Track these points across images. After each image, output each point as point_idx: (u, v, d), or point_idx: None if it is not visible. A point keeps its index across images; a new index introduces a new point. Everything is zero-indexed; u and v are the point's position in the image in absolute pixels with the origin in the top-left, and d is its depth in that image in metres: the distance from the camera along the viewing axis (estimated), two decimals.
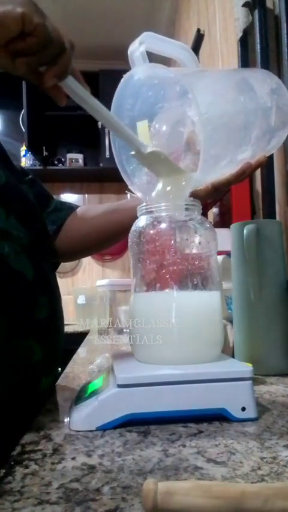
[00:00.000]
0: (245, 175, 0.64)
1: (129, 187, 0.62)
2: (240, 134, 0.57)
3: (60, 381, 0.68)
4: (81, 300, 2.22)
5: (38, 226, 0.67)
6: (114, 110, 0.59)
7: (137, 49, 0.55)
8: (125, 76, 0.58)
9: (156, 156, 0.52)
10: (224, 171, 0.62)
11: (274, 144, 0.64)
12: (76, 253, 0.83)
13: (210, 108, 0.51)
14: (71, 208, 0.82)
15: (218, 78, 0.63)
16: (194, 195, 0.56)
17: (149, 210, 0.51)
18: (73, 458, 0.34)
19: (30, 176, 0.78)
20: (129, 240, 0.53)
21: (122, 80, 0.58)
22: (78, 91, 0.48)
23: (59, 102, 0.50)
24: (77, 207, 0.82)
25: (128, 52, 0.56)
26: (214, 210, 1.49)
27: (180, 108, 0.59)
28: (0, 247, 0.55)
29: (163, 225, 0.50)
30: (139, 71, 0.56)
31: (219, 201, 1.41)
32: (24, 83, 2.38)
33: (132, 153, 0.53)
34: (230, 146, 0.57)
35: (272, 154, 0.71)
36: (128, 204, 0.79)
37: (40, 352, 0.57)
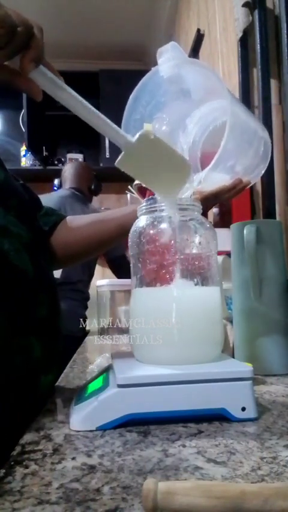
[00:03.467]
0: (234, 191, 0.70)
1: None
2: (245, 144, 0.61)
3: (60, 381, 0.68)
4: None
5: (35, 224, 0.67)
6: (132, 99, 0.61)
7: (167, 50, 0.58)
8: (153, 69, 0.61)
9: (146, 140, 0.47)
10: (220, 177, 0.65)
11: (256, 174, 0.72)
12: (61, 261, 0.82)
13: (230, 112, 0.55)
14: (61, 215, 0.83)
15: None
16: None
17: (149, 210, 0.51)
18: (73, 458, 0.34)
19: (21, 182, 0.79)
20: (129, 240, 0.53)
21: (149, 72, 0.61)
22: (53, 78, 0.46)
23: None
24: (65, 216, 0.83)
25: (158, 51, 0.59)
26: (214, 210, 1.49)
27: (175, 131, 0.63)
28: (0, 244, 0.55)
29: (163, 225, 0.50)
30: (165, 69, 0.59)
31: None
32: None
33: (119, 160, 0.48)
34: (237, 151, 0.61)
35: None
36: (113, 214, 0.81)
37: (40, 350, 0.57)
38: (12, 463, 0.34)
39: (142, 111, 0.62)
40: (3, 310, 0.53)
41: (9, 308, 0.54)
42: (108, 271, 2.90)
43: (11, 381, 0.54)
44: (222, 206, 1.41)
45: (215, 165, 0.54)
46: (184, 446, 0.36)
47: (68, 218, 0.82)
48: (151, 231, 0.51)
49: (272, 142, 0.71)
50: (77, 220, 0.82)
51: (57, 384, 0.65)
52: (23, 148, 2.82)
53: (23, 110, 2.66)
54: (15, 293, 0.56)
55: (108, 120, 0.48)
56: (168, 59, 0.58)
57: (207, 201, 0.72)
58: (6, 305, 0.54)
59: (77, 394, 0.49)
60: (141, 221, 0.52)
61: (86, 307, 1.96)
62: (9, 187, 0.64)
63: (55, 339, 0.62)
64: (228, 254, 0.78)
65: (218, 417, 0.42)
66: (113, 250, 1.94)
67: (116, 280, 1.59)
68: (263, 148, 0.68)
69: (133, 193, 1.61)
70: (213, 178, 0.65)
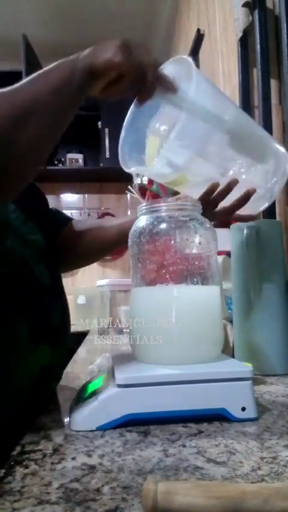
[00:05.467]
0: (230, 205, 0.64)
1: (121, 162, 0.62)
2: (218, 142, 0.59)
3: (60, 381, 0.68)
4: (81, 300, 2.22)
5: (48, 228, 0.66)
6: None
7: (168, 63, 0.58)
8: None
9: None
10: (201, 164, 0.62)
11: (268, 188, 0.66)
12: (63, 266, 0.82)
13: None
14: (68, 218, 0.81)
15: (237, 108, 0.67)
16: None
17: (149, 210, 0.51)
18: (73, 458, 0.34)
19: None
20: (129, 240, 0.53)
21: None
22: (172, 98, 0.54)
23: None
24: (72, 219, 0.82)
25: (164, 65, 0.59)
26: None
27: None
28: (21, 254, 0.55)
29: (163, 225, 0.50)
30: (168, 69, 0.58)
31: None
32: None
33: None
34: (214, 138, 0.58)
35: None
36: (114, 221, 0.80)
37: (53, 358, 0.58)
38: (12, 463, 0.34)
39: (148, 121, 0.62)
40: (23, 320, 0.54)
41: (29, 317, 0.55)
42: (109, 271, 2.90)
43: (25, 388, 0.54)
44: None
45: (180, 130, 0.51)
46: (184, 446, 0.36)
47: (73, 221, 0.81)
48: (151, 231, 0.51)
49: None
50: (78, 225, 0.81)
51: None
52: None
53: None
54: (34, 302, 0.56)
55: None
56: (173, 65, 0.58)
57: (207, 205, 0.65)
58: (26, 314, 0.54)
59: (77, 394, 0.49)
60: (141, 221, 0.52)
61: None
62: (27, 190, 0.63)
63: (65, 346, 0.62)
64: (228, 254, 0.78)
65: (218, 417, 0.42)
66: None
67: (116, 280, 1.59)
68: (272, 156, 0.63)
69: (133, 193, 1.61)
70: (177, 152, 0.60)
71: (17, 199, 0.59)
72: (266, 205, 0.68)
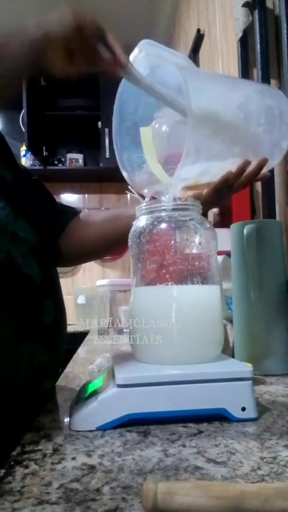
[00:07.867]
0: (244, 177, 0.63)
1: (129, 184, 0.62)
2: (221, 124, 0.58)
3: (60, 381, 0.68)
4: (81, 300, 2.22)
5: (44, 227, 0.66)
6: (116, 112, 0.60)
7: (137, 56, 0.57)
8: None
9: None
10: (212, 166, 0.61)
11: (278, 150, 0.65)
12: (76, 258, 0.81)
13: (202, 100, 0.52)
14: (74, 212, 0.80)
15: (219, 78, 0.64)
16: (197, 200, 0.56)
17: (149, 210, 0.51)
18: (73, 458, 0.34)
19: (34, 177, 0.77)
20: (129, 240, 0.53)
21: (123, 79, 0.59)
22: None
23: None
24: (79, 212, 0.81)
25: (130, 59, 0.58)
26: (214, 210, 1.49)
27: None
28: (8, 250, 0.55)
29: (163, 225, 0.50)
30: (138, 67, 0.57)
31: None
32: (24, 83, 2.38)
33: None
34: (216, 140, 0.57)
35: None
36: (128, 212, 0.77)
37: (45, 357, 0.57)
38: (12, 463, 0.34)
39: (133, 118, 0.61)
40: (10, 317, 0.53)
41: (16, 315, 0.54)
42: (109, 271, 2.90)
43: (15, 387, 0.54)
44: (222, 206, 1.41)
45: (186, 158, 0.50)
46: (184, 446, 0.36)
47: (82, 214, 0.80)
48: (151, 231, 0.51)
49: None
50: (91, 217, 0.80)
51: (57, 383, 0.65)
52: (23, 148, 2.82)
53: (23, 110, 2.66)
54: (22, 300, 0.55)
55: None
56: (141, 64, 0.58)
57: (219, 193, 0.65)
58: (13, 312, 0.54)
59: (77, 394, 0.49)
60: (141, 221, 0.52)
61: None
62: (19, 190, 0.63)
63: (59, 344, 0.62)
64: (228, 254, 0.78)
65: (218, 417, 0.42)
66: None
67: (116, 280, 1.59)
68: (270, 115, 0.61)
69: (133, 193, 1.61)
70: (209, 169, 0.60)
71: (8, 198, 0.59)
72: (278, 160, 0.68)
